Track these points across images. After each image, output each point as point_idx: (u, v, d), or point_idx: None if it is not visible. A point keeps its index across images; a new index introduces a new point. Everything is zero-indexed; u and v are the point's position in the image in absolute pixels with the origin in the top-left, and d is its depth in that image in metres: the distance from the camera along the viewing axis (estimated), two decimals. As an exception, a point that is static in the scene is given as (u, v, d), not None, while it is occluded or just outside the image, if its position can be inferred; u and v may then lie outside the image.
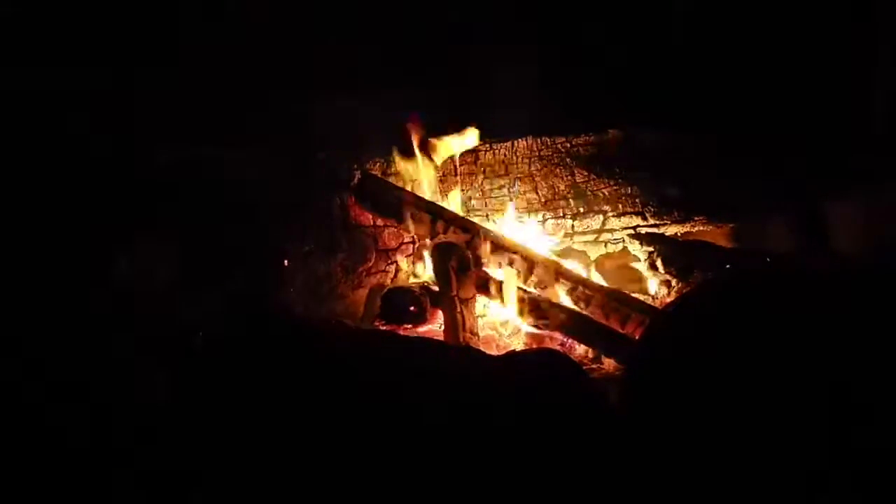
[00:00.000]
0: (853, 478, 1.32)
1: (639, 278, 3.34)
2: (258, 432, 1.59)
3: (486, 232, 3.00)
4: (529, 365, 1.78)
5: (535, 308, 2.85)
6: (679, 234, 3.25)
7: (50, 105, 2.74)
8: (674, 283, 3.07)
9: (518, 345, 2.90)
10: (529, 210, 3.18)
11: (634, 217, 3.20)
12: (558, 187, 3.21)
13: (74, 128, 2.73)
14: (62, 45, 2.85)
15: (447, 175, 3.21)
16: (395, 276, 3.18)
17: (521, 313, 2.87)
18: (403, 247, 3.18)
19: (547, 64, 3.39)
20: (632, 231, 3.20)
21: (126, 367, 2.24)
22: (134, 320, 2.50)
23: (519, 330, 2.97)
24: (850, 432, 1.34)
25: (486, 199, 3.20)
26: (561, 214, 3.18)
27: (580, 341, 2.83)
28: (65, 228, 2.56)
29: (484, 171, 3.22)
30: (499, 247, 2.94)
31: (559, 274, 2.90)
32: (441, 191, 3.17)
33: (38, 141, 2.67)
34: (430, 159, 3.11)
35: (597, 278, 3.10)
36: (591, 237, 3.21)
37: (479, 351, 2.59)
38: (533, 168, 3.24)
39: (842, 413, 1.36)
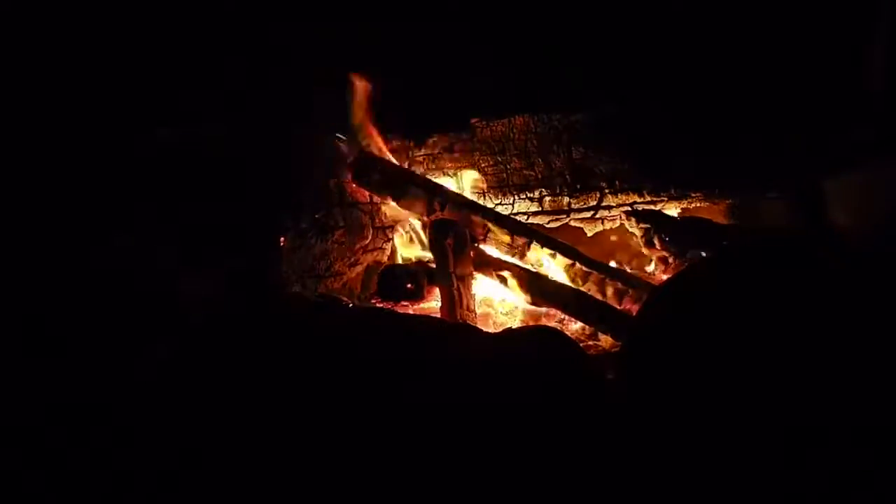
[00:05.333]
0: (851, 450, 1.33)
1: (635, 255, 3.34)
2: (256, 409, 1.60)
3: (483, 209, 3.00)
4: (526, 342, 1.79)
5: (532, 285, 2.86)
6: (676, 211, 3.24)
7: (52, 85, 2.73)
8: (671, 259, 3.08)
9: (515, 322, 2.92)
10: (526, 187, 3.18)
11: (631, 194, 3.19)
12: (555, 164, 3.20)
13: (76, 107, 2.72)
14: (66, 24, 2.83)
15: (443, 152, 3.20)
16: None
17: (517, 290, 2.87)
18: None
19: (543, 39, 3.36)
20: (629, 208, 3.19)
21: (127, 343, 2.25)
22: (134, 297, 2.50)
23: (516, 307, 2.99)
24: (846, 405, 1.36)
25: (484, 177, 3.19)
26: (558, 191, 3.18)
27: (577, 318, 2.84)
28: (66, 206, 2.56)
29: (480, 149, 3.21)
30: (496, 224, 2.94)
31: (556, 251, 2.90)
32: (433, 168, 3.17)
33: (39, 120, 2.66)
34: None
35: (594, 255, 3.10)
36: (588, 214, 3.20)
37: (476, 328, 2.60)
38: (530, 145, 3.22)
39: (838, 387, 1.37)
